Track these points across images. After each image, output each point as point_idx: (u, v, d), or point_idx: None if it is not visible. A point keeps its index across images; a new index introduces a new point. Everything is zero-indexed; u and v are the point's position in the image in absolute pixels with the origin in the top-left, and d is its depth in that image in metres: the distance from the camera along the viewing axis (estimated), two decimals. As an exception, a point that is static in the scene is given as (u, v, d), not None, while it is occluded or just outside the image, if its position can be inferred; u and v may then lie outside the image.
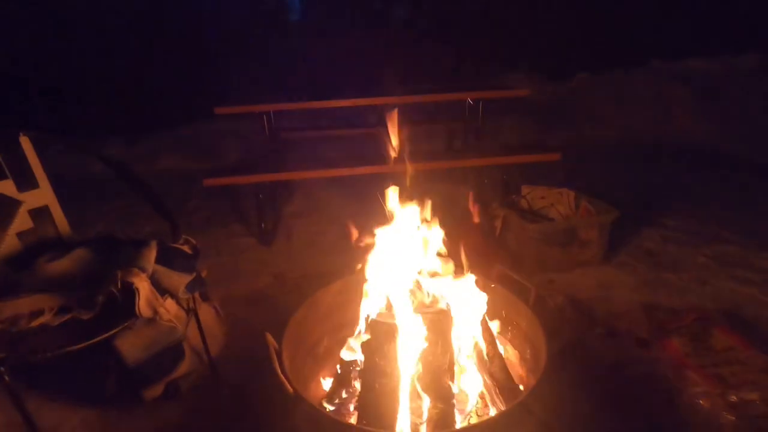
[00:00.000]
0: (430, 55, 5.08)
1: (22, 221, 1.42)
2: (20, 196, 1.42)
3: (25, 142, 1.46)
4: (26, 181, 1.45)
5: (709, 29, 5.26)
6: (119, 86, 4.84)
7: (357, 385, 1.15)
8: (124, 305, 1.21)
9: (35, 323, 1.15)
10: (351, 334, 1.27)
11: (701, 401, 1.31)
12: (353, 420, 1.10)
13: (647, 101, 4.98)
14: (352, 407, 1.15)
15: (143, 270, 1.26)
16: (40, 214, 1.48)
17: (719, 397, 1.27)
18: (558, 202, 2.37)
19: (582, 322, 1.78)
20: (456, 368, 1.10)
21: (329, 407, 1.15)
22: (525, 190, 2.40)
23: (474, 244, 1.92)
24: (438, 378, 1.04)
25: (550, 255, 2.15)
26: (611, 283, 2.08)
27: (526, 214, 2.30)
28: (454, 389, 1.07)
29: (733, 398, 1.25)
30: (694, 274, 2.13)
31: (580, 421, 1.35)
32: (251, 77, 4.75)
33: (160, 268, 1.34)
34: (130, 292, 1.22)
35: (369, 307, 1.17)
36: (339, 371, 1.22)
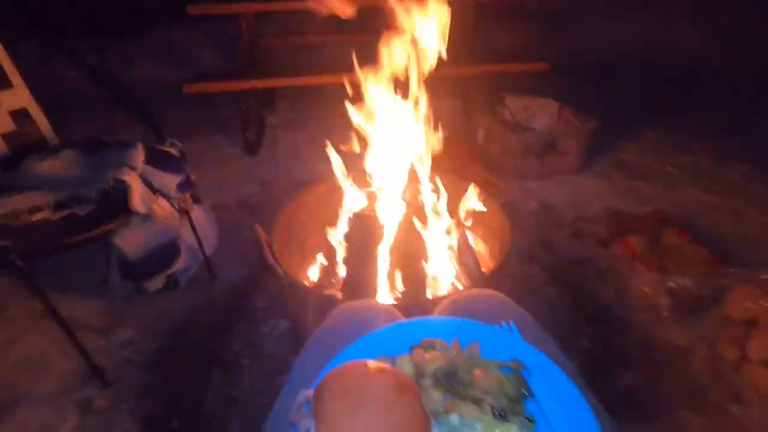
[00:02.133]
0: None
1: (3, 123, 1.41)
2: (-4, 96, 1.40)
3: (-9, 39, 1.40)
4: (-1, 81, 1.42)
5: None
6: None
7: (342, 272, 1.27)
8: (118, 203, 1.27)
9: (35, 218, 1.21)
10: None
11: (645, 288, 1.50)
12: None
13: (646, 10, 4.74)
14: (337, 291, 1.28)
15: (133, 169, 1.31)
16: (20, 117, 1.47)
17: (660, 284, 1.45)
18: (541, 113, 2.39)
19: (551, 225, 1.92)
20: (429, 256, 1.22)
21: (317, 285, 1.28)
22: (509, 100, 2.40)
23: (456, 153, 1.98)
24: (413, 264, 1.16)
25: (528, 165, 2.23)
26: (584, 191, 2.20)
27: (508, 124, 2.33)
28: (428, 274, 1.20)
29: (672, 284, 1.43)
30: (662, 183, 2.25)
31: (543, 306, 1.53)
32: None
33: (150, 169, 1.38)
34: (123, 191, 1.27)
35: (352, 201, 1.25)
36: (325, 261, 1.34)
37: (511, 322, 0.55)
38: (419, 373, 0.46)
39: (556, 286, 1.61)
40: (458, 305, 0.63)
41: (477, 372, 0.45)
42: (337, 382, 0.41)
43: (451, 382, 0.44)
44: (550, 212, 2.02)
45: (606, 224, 1.88)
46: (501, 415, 0.41)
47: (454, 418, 0.39)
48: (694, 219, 1.95)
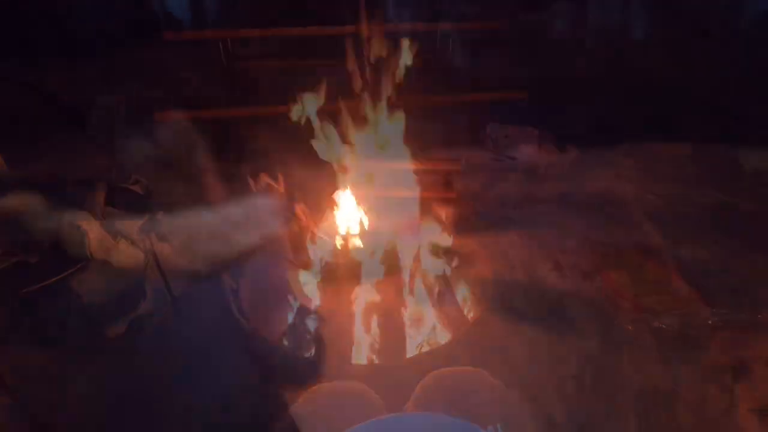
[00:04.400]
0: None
1: (-52, 159, 1.31)
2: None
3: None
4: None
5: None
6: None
7: (314, 322, 1.20)
8: (74, 248, 1.18)
9: (-22, 267, 1.11)
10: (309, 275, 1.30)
11: (629, 327, 1.46)
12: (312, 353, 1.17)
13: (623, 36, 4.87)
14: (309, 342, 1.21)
15: (91, 212, 1.22)
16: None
17: (644, 322, 1.42)
18: (522, 141, 2.39)
19: (533, 257, 1.89)
20: (410, 303, 1.17)
21: (287, 342, 1.21)
22: (490, 129, 2.40)
23: (436, 187, 1.94)
24: (390, 313, 1.10)
25: (510, 194, 2.21)
26: (565, 221, 2.18)
27: (490, 153, 2.33)
28: (407, 322, 1.14)
29: (656, 323, 1.40)
30: (641, 211, 2.26)
31: (526, 346, 1.48)
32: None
33: (111, 210, 1.29)
34: (80, 237, 1.18)
35: (322, 249, 1.19)
36: (297, 309, 1.27)
37: (497, 426, 0.49)
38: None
39: (540, 323, 1.56)
40: (441, 389, 0.57)
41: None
42: None
43: None
44: (532, 241, 1.99)
45: (587, 257, 1.86)
46: None
47: None
48: (673, 250, 1.95)
